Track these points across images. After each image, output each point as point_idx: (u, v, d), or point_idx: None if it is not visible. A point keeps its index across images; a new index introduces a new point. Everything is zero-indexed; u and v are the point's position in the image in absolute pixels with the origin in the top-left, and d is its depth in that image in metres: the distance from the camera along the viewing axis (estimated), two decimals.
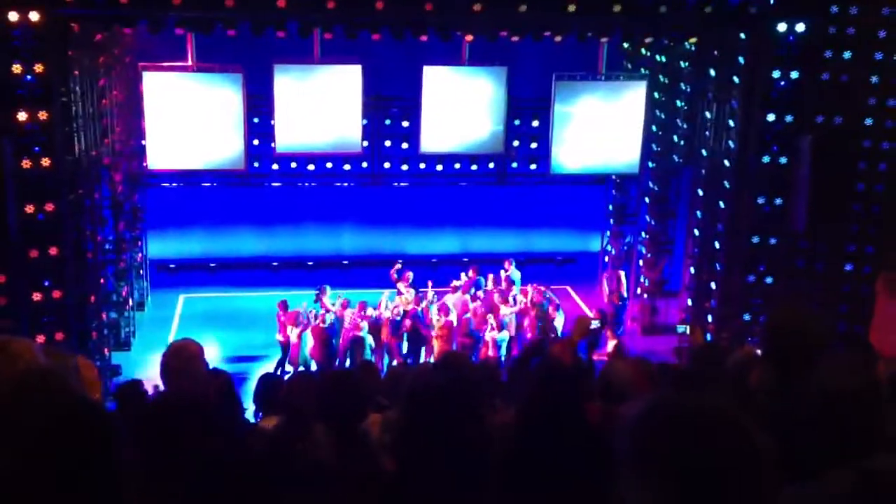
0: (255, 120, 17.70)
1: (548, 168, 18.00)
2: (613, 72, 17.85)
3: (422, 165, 20.33)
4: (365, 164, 20.25)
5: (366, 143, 18.71)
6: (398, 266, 17.59)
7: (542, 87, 17.65)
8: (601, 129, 17.25)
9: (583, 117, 17.23)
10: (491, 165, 20.83)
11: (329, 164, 19.81)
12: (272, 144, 17.27)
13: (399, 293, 16.99)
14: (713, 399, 2.21)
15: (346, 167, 19.91)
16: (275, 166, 19.68)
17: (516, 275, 18.48)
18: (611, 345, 15.93)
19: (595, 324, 7.09)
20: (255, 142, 18.18)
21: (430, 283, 17.61)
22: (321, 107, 16.47)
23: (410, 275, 17.43)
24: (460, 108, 17.05)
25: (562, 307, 17.42)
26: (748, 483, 2.04)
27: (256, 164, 19.69)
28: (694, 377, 6.23)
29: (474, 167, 20.37)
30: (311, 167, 19.66)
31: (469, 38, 15.89)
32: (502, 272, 18.48)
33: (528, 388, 4.39)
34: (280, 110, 16.40)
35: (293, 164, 19.78)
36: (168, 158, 16.46)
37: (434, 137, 17.25)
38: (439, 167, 20.08)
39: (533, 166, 20.12)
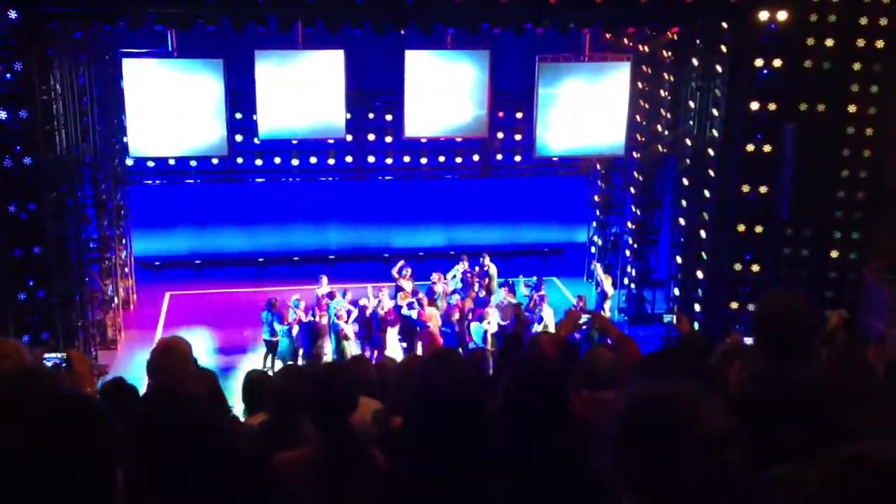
0: (238, 116, 17.64)
1: (532, 153, 17.96)
2: (597, 52, 17.74)
3: (406, 159, 20.29)
4: (349, 159, 20.22)
5: (350, 137, 18.67)
6: (400, 263, 17.70)
7: (525, 75, 17.50)
8: (586, 110, 17.18)
9: (567, 99, 17.12)
10: (476, 158, 20.83)
11: (313, 159, 19.73)
12: (255, 137, 17.20)
13: (401, 289, 17.06)
14: (691, 386, 2.22)
15: (331, 161, 19.83)
16: (258, 161, 19.59)
17: (493, 268, 18.57)
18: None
19: (584, 318, 7.11)
20: (239, 137, 18.14)
21: (439, 277, 17.65)
22: (303, 92, 16.32)
23: (409, 270, 17.54)
24: (443, 92, 16.94)
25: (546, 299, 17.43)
26: (720, 470, 2.05)
27: (240, 160, 19.66)
28: (680, 365, 6.23)
29: (459, 160, 20.33)
30: (294, 162, 19.58)
31: (451, 31, 15.86)
32: (476, 268, 18.55)
33: (509, 380, 4.37)
34: (262, 96, 16.23)
35: (277, 160, 19.71)
36: (150, 146, 16.28)
37: (418, 122, 17.15)
38: (423, 160, 20.03)
39: (518, 158, 20.09)
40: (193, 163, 19.45)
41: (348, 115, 17.17)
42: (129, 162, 19.07)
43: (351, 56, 16.17)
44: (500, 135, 20.21)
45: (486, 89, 16.97)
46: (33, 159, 13.28)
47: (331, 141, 18.79)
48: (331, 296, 16.50)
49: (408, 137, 17.62)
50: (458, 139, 19.53)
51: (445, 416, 3.63)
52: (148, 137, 16.05)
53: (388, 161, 20.16)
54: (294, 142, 18.58)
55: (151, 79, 15.76)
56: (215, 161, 19.65)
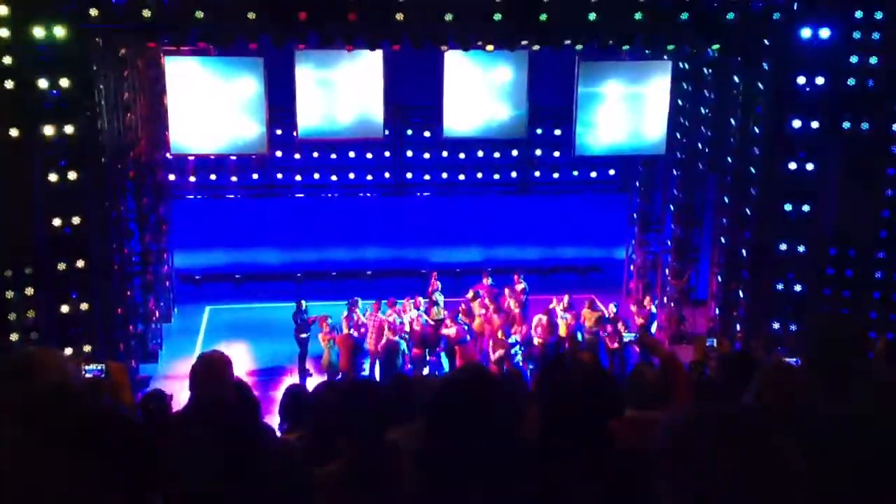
0: (279, 132, 17.80)
1: (571, 156, 18.01)
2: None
3: (444, 175, 20.37)
4: (387, 175, 20.37)
5: (388, 154, 18.85)
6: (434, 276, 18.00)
7: (564, 90, 17.34)
8: (626, 109, 17.14)
9: (607, 98, 17.12)
10: (514, 174, 20.85)
11: (352, 175, 19.93)
12: (295, 153, 17.31)
13: (435, 304, 17.22)
14: (746, 408, 2.20)
15: (369, 177, 20.01)
16: (298, 177, 19.82)
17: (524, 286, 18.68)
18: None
19: (629, 336, 7.14)
20: (279, 153, 18.44)
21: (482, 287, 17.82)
22: (342, 89, 16.50)
23: (438, 284, 17.74)
24: (482, 92, 16.99)
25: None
26: (782, 492, 2.01)
27: (280, 176, 19.91)
28: (725, 386, 6.16)
29: (497, 176, 20.35)
30: (333, 178, 19.75)
31: (490, 48, 15.88)
32: (507, 289, 18.45)
33: (547, 405, 4.32)
34: (301, 95, 16.41)
35: (316, 175, 19.91)
36: (191, 143, 16.57)
37: (457, 122, 17.21)
38: (462, 176, 20.08)
39: (556, 175, 20.04)
40: (234, 178, 19.70)
41: (386, 132, 17.30)
42: (171, 177, 19.33)
43: (389, 57, 16.20)
44: (539, 151, 20.21)
45: (525, 89, 16.98)
46: (77, 174, 13.50)
47: (369, 156, 19.00)
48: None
49: (447, 137, 17.73)
50: (497, 155, 19.60)
51: (462, 427, 3.61)
52: (189, 133, 16.35)
53: (426, 177, 20.22)
54: (332, 156, 18.76)
55: (193, 77, 16.08)
56: (255, 176, 19.90)
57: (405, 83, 17.78)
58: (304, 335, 16.65)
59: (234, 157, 18.70)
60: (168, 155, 17.67)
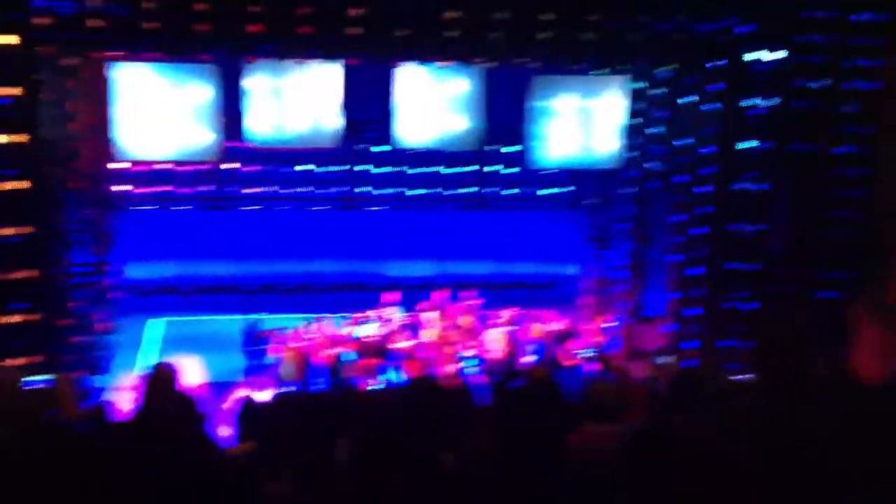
0: (231, 143, 17.63)
1: (525, 171, 18.13)
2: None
3: (400, 189, 20.44)
4: (342, 188, 20.36)
5: (342, 167, 18.76)
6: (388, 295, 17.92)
7: (520, 99, 17.56)
8: (580, 124, 17.32)
9: (561, 113, 17.26)
10: (469, 190, 20.97)
11: (306, 188, 19.89)
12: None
13: (388, 317, 17.20)
14: (699, 424, 2.21)
15: (323, 190, 19.98)
16: (250, 190, 19.73)
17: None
18: None
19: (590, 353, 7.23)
20: (232, 165, 18.29)
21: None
22: (296, 99, 16.28)
23: (394, 298, 17.69)
24: (437, 104, 16.95)
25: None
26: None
27: (232, 188, 19.80)
28: (675, 402, 6.19)
29: (452, 191, 20.45)
30: (287, 190, 19.68)
31: (443, 63, 15.90)
32: (460, 304, 18.47)
33: (502, 414, 4.33)
34: (253, 103, 16.13)
35: (269, 188, 19.85)
36: (139, 150, 16.19)
37: (412, 134, 17.15)
38: (417, 191, 20.14)
39: (511, 190, 20.12)
40: (185, 190, 19.55)
41: (341, 143, 17.21)
42: (129, 187, 19.07)
43: (347, 67, 16.13)
44: (494, 167, 20.33)
45: (482, 101, 17.03)
46: (21, 184, 13.23)
47: (324, 169, 18.87)
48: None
49: (400, 148, 17.60)
50: (453, 170, 19.63)
51: (411, 438, 3.60)
52: (138, 141, 16.00)
53: (381, 192, 20.22)
54: (286, 169, 18.64)
55: (142, 82, 15.77)
56: (207, 187, 19.74)
57: (360, 95, 17.67)
58: (255, 348, 16.53)
59: (185, 168, 18.49)
60: (115, 165, 17.38)
